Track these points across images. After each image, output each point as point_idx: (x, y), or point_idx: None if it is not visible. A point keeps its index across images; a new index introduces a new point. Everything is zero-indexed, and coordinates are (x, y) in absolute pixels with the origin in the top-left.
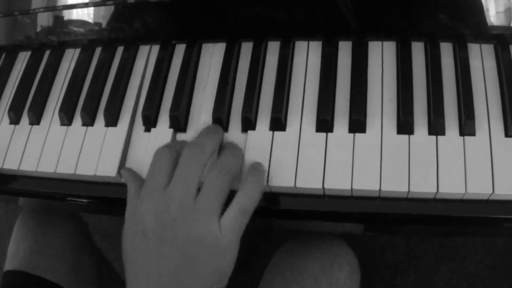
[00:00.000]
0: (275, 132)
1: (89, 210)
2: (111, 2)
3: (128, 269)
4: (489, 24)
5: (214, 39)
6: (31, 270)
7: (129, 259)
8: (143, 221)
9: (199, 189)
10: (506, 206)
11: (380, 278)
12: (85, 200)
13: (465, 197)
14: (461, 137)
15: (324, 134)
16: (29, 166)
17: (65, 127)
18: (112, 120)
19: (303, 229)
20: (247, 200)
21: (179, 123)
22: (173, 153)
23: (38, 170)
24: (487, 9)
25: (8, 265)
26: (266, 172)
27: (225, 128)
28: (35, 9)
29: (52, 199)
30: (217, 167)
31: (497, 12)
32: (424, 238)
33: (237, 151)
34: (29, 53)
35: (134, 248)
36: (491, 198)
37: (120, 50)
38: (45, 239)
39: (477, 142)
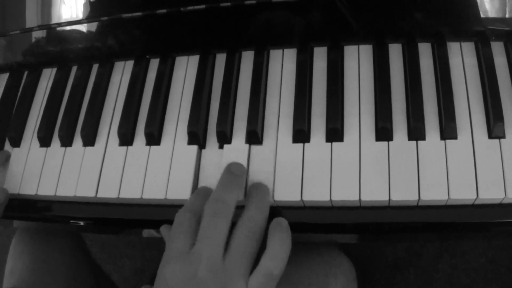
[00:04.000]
0: (252, 146)
1: (81, 230)
2: (85, 21)
3: None
4: (482, 15)
5: (188, 51)
6: (30, 287)
7: None
8: (168, 283)
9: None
10: (493, 210)
11: (381, 276)
12: (73, 221)
13: (449, 203)
14: (443, 141)
15: (301, 144)
16: (11, 189)
17: (44, 149)
18: (89, 140)
19: (294, 240)
20: (275, 264)
21: (154, 139)
22: (194, 212)
23: (20, 192)
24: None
25: (6, 283)
26: (289, 229)
27: (202, 143)
28: (9, 30)
29: (42, 221)
30: (246, 225)
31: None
32: None
33: (264, 204)
34: (7, 74)
35: None
36: (476, 202)
37: (95, 67)
38: (42, 256)
39: (459, 146)
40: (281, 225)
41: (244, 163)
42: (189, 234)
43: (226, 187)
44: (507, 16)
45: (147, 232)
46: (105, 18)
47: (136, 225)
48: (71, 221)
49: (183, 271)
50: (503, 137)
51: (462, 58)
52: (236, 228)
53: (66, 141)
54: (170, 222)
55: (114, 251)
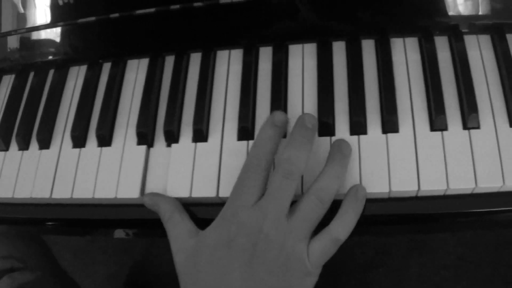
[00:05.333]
0: (198, 144)
1: (45, 232)
2: (42, 27)
3: (196, 283)
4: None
5: (139, 55)
6: None
7: (201, 274)
8: (231, 234)
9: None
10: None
11: (351, 276)
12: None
13: (420, 194)
14: (384, 135)
15: (246, 142)
16: None
17: (2, 153)
18: (44, 144)
19: None
20: (343, 230)
21: (105, 140)
22: (265, 165)
23: None
24: None
25: None
26: (364, 199)
27: (151, 144)
28: None
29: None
30: (318, 193)
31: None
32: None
33: (341, 173)
34: None
35: (215, 262)
36: (419, 194)
37: (51, 73)
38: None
39: (400, 138)
40: (357, 192)
41: (191, 161)
42: (259, 185)
43: (299, 144)
44: (451, 12)
45: (118, 233)
46: (61, 24)
47: (104, 226)
48: (33, 223)
49: (250, 222)
50: (445, 129)
51: (405, 53)
52: (307, 193)
53: (23, 145)
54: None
55: (87, 258)
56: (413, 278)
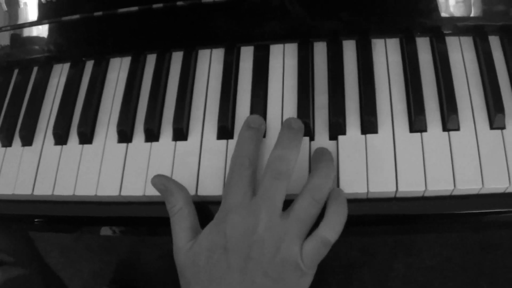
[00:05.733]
0: (178, 142)
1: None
2: (26, 25)
3: (195, 285)
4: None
5: (121, 53)
6: None
7: (200, 274)
8: (226, 238)
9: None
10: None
11: (335, 276)
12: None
13: (399, 195)
14: (363, 136)
15: (225, 141)
16: None
17: None
18: (27, 140)
19: None
20: (330, 233)
21: (87, 138)
22: (251, 161)
23: None
24: None
25: None
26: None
27: (130, 139)
28: None
29: None
30: (311, 193)
31: None
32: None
33: (331, 171)
34: None
35: (213, 265)
36: (397, 195)
37: (36, 70)
38: None
39: (379, 139)
40: (339, 195)
41: (170, 160)
42: (246, 186)
43: (288, 143)
44: (433, 13)
45: (104, 230)
46: (45, 22)
47: (90, 223)
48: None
49: (243, 225)
50: (425, 130)
51: (386, 54)
52: (301, 193)
53: (6, 142)
54: (120, 218)
55: (73, 255)
56: (398, 279)
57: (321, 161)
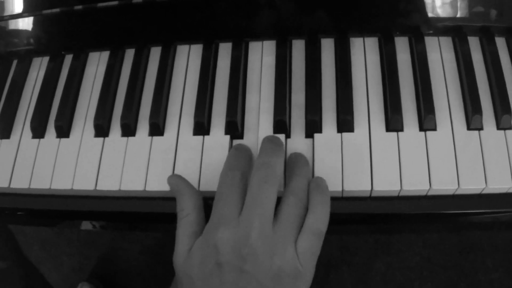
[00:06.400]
0: (154, 137)
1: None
2: (6, 17)
3: None
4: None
5: (100, 47)
6: None
7: (196, 285)
8: (218, 251)
9: None
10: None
11: (314, 274)
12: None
13: (374, 194)
14: (339, 134)
15: (201, 137)
16: None
17: None
18: (5, 133)
19: None
20: (319, 223)
21: (63, 131)
22: (242, 173)
23: None
24: None
25: None
26: (327, 189)
27: (106, 134)
28: None
29: None
30: (293, 193)
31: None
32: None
33: (308, 170)
34: None
35: (204, 279)
36: (373, 195)
37: (15, 63)
38: None
39: (354, 138)
40: (320, 186)
41: (146, 155)
42: (238, 198)
43: (272, 151)
44: (412, 13)
45: (85, 225)
46: (25, 14)
47: (71, 217)
48: None
49: (234, 238)
50: (401, 130)
51: (364, 53)
52: (283, 198)
53: None
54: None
55: (54, 249)
56: (378, 278)
57: (296, 165)
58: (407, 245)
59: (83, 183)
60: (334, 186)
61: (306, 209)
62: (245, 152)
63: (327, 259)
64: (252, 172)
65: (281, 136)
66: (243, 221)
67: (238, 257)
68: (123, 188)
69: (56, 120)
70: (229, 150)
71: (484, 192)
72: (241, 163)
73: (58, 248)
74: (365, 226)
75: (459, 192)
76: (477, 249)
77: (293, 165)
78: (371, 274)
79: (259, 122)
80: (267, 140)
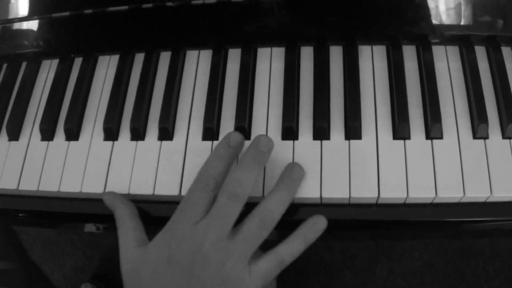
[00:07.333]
0: (163, 142)
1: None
2: (16, 20)
3: None
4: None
5: (110, 51)
6: None
7: (145, 286)
8: (171, 251)
9: None
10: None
11: (316, 278)
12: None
13: (380, 201)
14: (347, 141)
15: (210, 142)
16: None
17: None
18: (13, 135)
19: None
20: (288, 254)
21: (73, 134)
22: (216, 182)
23: None
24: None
25: None
26: (318, 229)
27: (115, 137)
28: None
29: None
30: (262, 216)
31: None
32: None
33: (287, 198)
34: None
35: (155, 277)
36: (379, 202)
37: (24, 65)
38: None
39: (363, 145)
40: (314, 225)
41: (155, 159)
42: (203, 206)
43: (250, 166)
44: (419, 22)
45: (88, 227)
46: (35, 17)
47: (75, 219)
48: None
49: (190, 240)
50: (408, 138)
51: (372, 61)
52: (251, 214)
53: None
54: (105, 216)
55: (56, 250)
56: (379, 283)
57: (283, 182)
58: (409, 250)
59: (92, 186)
60: (341, 192)
61: (268, 234)
62: (231, 152)
63: (329, 263)
64: (224, 182)
65: (289, 143)
66: (201, 228)
67: (190, 260)
68: (132, 192)
69: (66, 123)
70: None
71: (489, 200)
72: (221, 168)
73: (60, 248)
74: (370, 232)
75: (464, 200)
76: (479, 255)
77: (280, 180)
78: (373, 278)
79: (268, 128)
80: (255, 145)
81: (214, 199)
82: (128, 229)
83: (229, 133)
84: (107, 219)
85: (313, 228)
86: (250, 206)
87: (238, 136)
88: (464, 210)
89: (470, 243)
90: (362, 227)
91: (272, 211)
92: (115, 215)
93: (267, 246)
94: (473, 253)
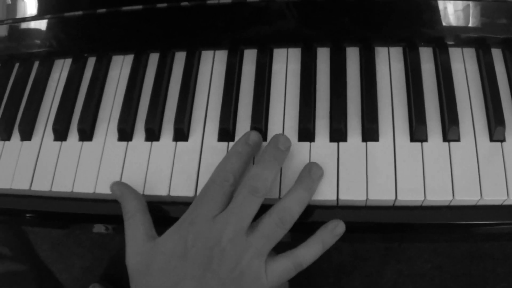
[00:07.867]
0: (178, 143)
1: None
2: (29, 18)
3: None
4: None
5: (124, 51)
6: None
7: (152, 280)
8: (187, 244)
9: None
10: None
11: (325, 280)
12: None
13: (397, 204)
14: (364, 143)
15: (226, 143)
16: None
17: None
18: (26, 135)
19: None
20: (306, 258)
21: (86, 135)
22: (235, 177)
23: None
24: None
25: None
26: (337, 233)
27: (130, 138)
28: None
29: None
30: (280, 214)
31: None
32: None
33: (306, 197)
34: None
35: (167, 270)
36: (396, 204)
37: (37, 64)
38: None
39: (380, 147)
40: (334, 230)
41: (170, 160)
42: (221, 202)
43: (269, 163)
44: (436, 23)
45: (97, 227)
46: (48, 16)
47: (85, 220)
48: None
49: (208, 235)
50: (426, 140)
51: (389, 63)
52: (269, 212)
53: (4, 135)
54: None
55: (64, 250)
56: (388, 285)
57: (301, 182)
58: (418, 253)
59: (106, 187)
60: (358, 195)
61: (286, 232)
62: (249, 151)
63: (338, 265)
64: (244, 179)
65: (306, 144)
66: (219, 222)
67: (206, 255)
68: (147, 193)
69: (79, 123)
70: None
71: (505, 203)
72: (239, 165)
73: (68, 249)
74: (383, 235)
75: (481, 203)
76: (489, 258)
77: (299, 180)
78: (382, 281)
79: (284, 129)
80: (273, 144)
81: (231, 196)
82: (138, 222)
83: (248, 132)
84: (117, 220)
85: (333, 232)
86: (265, 208)
87: (256, 135)
88: (480, 213)
89: (479, 245)
90: (377, 229)
91: (290, 209)
92: (123, 207)
93: (280, 248)
94: (482, 255)
